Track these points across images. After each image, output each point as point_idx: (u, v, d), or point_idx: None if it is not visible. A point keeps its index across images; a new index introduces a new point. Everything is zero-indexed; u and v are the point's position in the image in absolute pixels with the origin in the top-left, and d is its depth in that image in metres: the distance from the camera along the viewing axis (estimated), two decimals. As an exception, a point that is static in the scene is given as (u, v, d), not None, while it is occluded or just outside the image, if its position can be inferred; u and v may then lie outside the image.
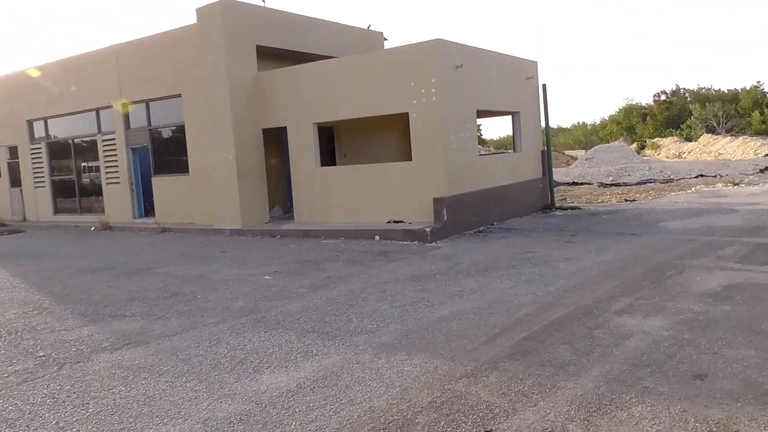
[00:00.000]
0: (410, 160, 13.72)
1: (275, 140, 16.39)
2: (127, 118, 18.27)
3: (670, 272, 8.33)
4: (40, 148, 20.98)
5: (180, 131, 17.12)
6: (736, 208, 14.72)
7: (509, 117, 16.82)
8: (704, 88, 58.31)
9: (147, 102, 17.68)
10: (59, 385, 5.34)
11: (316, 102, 14.74)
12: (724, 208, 15.05)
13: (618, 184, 25.68)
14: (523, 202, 16.18)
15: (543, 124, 17.66)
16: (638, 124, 59.69)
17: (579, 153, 49.37)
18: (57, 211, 20.96)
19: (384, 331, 6.37)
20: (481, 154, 17.46)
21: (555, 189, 25.25)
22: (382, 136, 17.13)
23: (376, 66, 13.89)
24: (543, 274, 8.69)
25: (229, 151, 15.09)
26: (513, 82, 16.18)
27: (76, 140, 20.04)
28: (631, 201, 18.62)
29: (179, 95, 16.70)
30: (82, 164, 20.02)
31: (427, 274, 9.12)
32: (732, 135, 45.42)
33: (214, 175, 15.54)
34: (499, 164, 15.70)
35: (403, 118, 13.67)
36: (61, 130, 20.55)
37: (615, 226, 13.06)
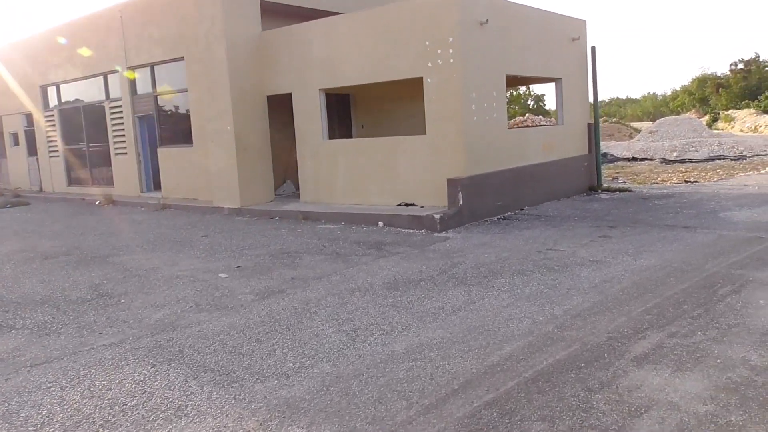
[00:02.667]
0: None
1: (286, 109, 14.67)
2: (133, 83, 16.88)
3: (725, 290, 6.25)
4: (53, 115, 19.88)
5: (184, 98, 15.62)
6: (822, 196, 12.21)
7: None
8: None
9: (152, 66, 16.19)
10: None
11: (323, 65, 12.89)
12: (806, 195, 12.54)
13: (683, 161, 22.94)
14: (563, 182, 14.00)
15: (591, 94, 15.29)
16: (712, 95, 55.08)
17: (646, 125, 45.66)
18: (70, 182, 19.92)
19: (303, 376, 4.63)
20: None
21: (611, 165, 22.80)
22: (406, 106, 15.10)
23: (388, 23, 11.90)
24: (556, 285, 6.73)
25: (226, 121, 13.46)
26: (554, 43, 13.87)
27: (86, 107, 18.83)
28: (693, 182, 16.09)
29: (182, 58, 15.16)
30: (93, 133, 18.82)
31: (412, 279, 7.30)
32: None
33: (213, 147, 13.98)
34: (533, 139, 13.50)
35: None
36: (72, 96, 19.36)
37: (666, 216, 10.82)
